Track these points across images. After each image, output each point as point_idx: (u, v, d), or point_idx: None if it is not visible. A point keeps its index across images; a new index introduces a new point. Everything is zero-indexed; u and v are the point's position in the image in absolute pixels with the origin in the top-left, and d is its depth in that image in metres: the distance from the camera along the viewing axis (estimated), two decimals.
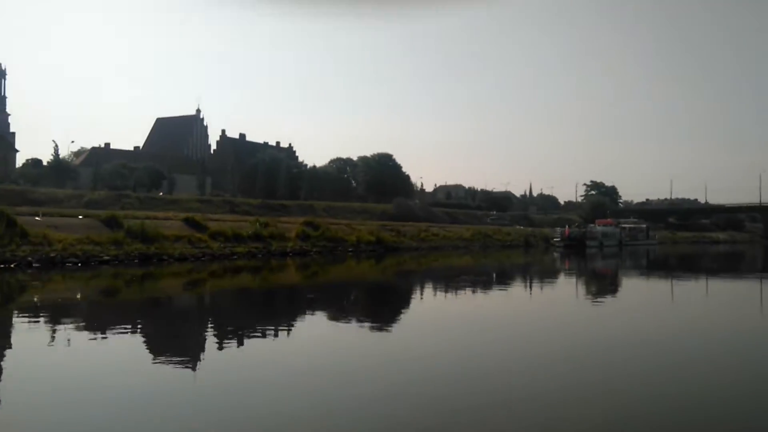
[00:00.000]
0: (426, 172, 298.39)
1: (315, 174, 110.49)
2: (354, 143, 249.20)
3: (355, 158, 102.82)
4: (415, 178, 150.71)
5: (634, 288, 27.26)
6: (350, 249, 42.34)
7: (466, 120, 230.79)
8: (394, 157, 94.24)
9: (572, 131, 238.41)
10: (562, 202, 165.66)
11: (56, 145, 71.83)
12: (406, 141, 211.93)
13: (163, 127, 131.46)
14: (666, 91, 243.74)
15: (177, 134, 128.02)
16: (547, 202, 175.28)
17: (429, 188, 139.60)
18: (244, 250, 35.80)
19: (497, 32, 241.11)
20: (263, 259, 35.30)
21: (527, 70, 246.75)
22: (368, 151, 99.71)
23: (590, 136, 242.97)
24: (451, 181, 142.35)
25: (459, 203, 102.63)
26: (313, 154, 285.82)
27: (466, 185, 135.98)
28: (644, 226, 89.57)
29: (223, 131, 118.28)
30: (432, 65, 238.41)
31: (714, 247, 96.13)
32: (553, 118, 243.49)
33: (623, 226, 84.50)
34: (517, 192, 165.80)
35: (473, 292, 23.33)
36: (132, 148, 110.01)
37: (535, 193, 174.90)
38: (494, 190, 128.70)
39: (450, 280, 27.65)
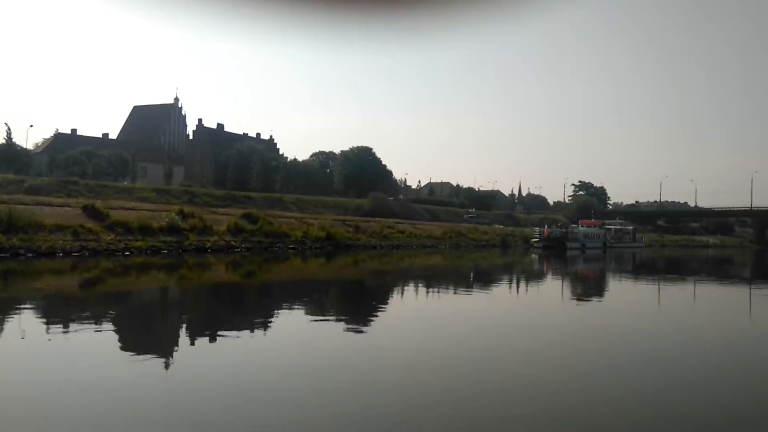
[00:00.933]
0: (418, 171, 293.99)
1: (294, 167, 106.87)
2: (343, 139, 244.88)
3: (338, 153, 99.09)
4: (401, 175, 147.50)
5: (615, 296, 23.62)
6: (292, 246, 38.10)
7: (459, 120, 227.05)
8: (373, 150, 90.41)
9: (564, 133, 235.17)
10: (551, 203, 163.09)
11: (8, 129, 67.40)
12: (399, 138, 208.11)
13: (140, 116, 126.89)
14: (657, 93, 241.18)
15: (153, 123, 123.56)
16: (536, 202, 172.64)
17: (419, 186, 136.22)
18: (144, 245, 30.85)
19: (495, 34, 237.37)
20: (174, 256, 30.33)
21: (521, 71, 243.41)
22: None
23: (582, 138, 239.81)
24: (447, 180, 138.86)
25: (442, 200, 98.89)
26: (304, 149, 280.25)
27: (462, 185, 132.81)
28: (630, 228, 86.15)
29: (200, 120, 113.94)
30: (426, 64, 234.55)
31: (703, 251, 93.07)
32: (542, 119, 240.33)
33: (608, 227, 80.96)
34: (508, 192, 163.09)
35: (408, 298, 19.55)
36: (101, 135, 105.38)
37: (524, 193, 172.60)
38: (480, 189, 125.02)
39: (379, 287, 23.72)
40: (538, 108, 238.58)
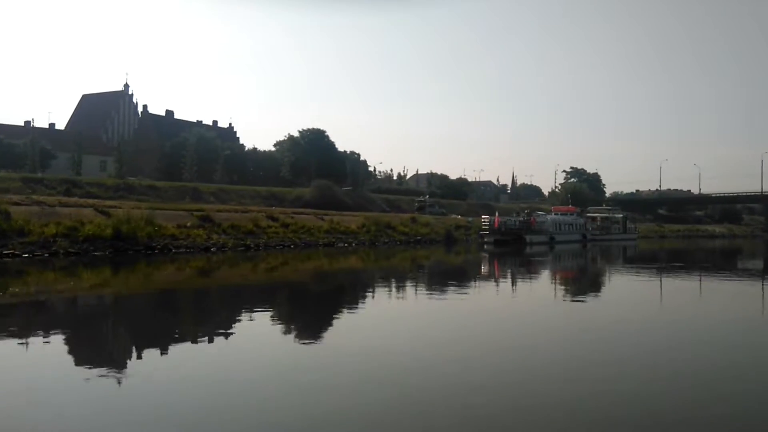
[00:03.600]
0: (414, 164, 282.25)
1: (253, 157, 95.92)
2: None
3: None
4: (375, 164, 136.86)
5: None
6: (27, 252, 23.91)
7: (454, 109, 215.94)
8: (327, 134, 78.67)
9: (562, 121, 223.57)
10: (546, 193, 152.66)
11: None
12: (380, 129, 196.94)
13: (89, 104, 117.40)
14: (657, 79, 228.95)
15: (102, 111, 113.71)
16: (530, 192, 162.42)
17: (401, 177, 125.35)
18: None
19: (492, 23, 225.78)
20: None
21: (519, 61, 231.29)
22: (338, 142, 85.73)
23: (580, 127, 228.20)
24: (443, 173, 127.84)
25: (407, 190, 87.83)
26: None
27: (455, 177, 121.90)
28: (620, 216, 72.16)
29: (145, 107, 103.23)
30: (424, 48, 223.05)
31: (710, 242, 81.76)
32: (540, 108, 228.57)
33: (591, 215, 68.78)
34: (502, 182, 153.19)
35: None
36: (22, 124, 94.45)
37: (518, 184, 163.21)
38: (460, 178, 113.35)
39: None
40: (535, 98, 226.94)
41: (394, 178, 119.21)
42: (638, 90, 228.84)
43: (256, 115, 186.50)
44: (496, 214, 53.04)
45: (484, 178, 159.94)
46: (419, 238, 45.93)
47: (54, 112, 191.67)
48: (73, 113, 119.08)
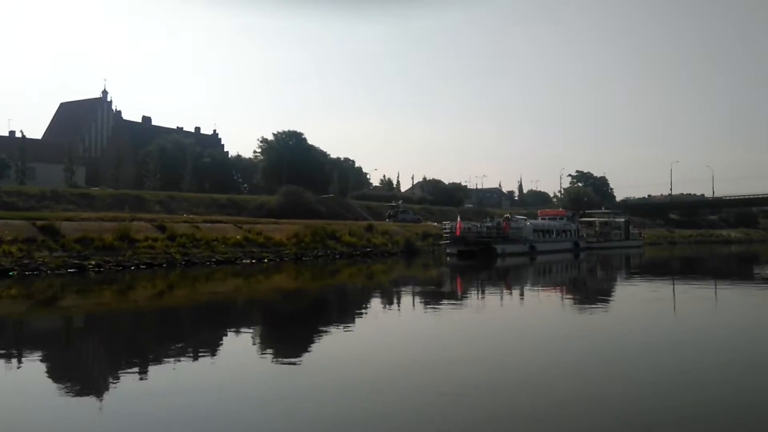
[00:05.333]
0: (414, 171, 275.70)
1: (237, 164, 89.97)
2: (320, 137, 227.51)
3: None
4: (370, 171, 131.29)
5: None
6: None
7: (462, 117, 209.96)
8: (304, 136, 72.30)
9: (573, 127, 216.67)
10: (555, 200, 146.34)
11: None
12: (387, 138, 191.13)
13: (67, 113, 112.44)
14: (670, 80, 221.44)
15: (80, 120, 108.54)
16: (537, 198, 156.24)
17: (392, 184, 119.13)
18: None
19: (504, 28, 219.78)
20: None
21: (531, 68, 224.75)
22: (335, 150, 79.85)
23: (593, 133, 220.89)
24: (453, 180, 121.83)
25: (393, 196, 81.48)
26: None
27: (470, 184, 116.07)
28: (621, 220, 63.63)
29: (119, 113, 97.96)
30: (424, 60, 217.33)
31: (725, 247, 74.77)
32: (551, 114, 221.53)
33: (587, 220, 61.37)
34: (507, 188, 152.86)
35: None
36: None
37: (526, 190, 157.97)
38: (461, 183, 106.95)
39: None
40: (547, 104, 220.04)
41: (394, 185, 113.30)
42: (650, 93, 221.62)
43: (247, 123, 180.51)
44: (458, 218, 44.67)
45: (490, 184, 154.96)
46: (368, 249, 38.36)
47: (31, 121, 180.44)
48: (51, 122, 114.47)
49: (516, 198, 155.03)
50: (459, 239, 41.08)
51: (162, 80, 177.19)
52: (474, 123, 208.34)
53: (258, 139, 75.24)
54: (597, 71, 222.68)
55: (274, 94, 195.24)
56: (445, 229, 43.78)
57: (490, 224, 43.79)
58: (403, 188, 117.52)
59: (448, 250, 41.56)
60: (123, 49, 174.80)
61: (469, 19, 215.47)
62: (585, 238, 54.77)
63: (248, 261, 29.60)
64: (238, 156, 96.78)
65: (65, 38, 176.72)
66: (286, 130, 72.05)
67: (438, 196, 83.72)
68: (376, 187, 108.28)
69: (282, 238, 32.35)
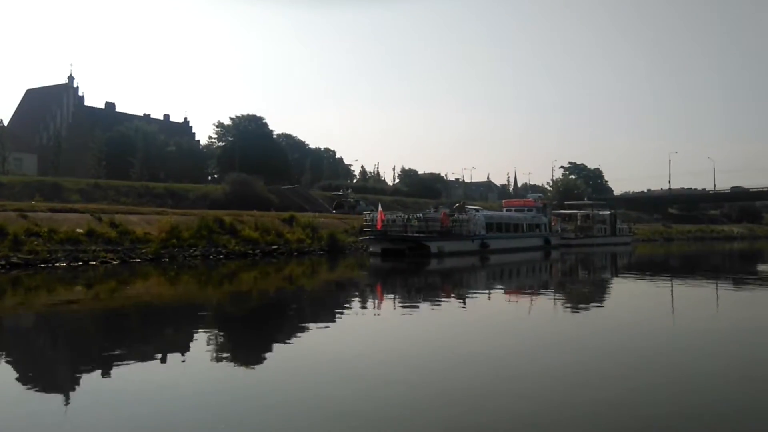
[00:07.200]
0: (405, 163, 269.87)
1: (205, 153, 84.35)
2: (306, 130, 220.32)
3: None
4: (352, 162, 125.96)
5: None
6: None
7: (457, 109, 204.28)
8: (265, 120, 66.31)
9: (570, 120, 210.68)
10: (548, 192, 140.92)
11: None
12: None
13: (33, 99, 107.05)
14: (667, 73, 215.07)
15: (44, 106, 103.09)
16: (531, 191, 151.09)
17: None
18: None
19: (504, 18, 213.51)
20: None
21: (524, 57, 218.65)
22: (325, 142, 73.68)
23: (589, 126, 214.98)
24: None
25: (374, 188, 75.80)
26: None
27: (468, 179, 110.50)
28: (607, 213, 56.33)
29: (81, 99, 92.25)
30: (420, 50, 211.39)
31: (726, 244, 68.90)
32: (547, 107, 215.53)
33: (566, 213, 55.32)
34: (501, 182, 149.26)
35: None
36: None
37: (520, 183, 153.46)
38: (446, 176, 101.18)
39: None
40: (542, 96, 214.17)
41: (369, 175, 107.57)
42: (647, 86, 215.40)
43: (226, 112, 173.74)
44: (380, 208, 36.26)
45: (479, 178, 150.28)
46: (275, 247, 31.07)
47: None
48: (16, 109, 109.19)
49: (512, 191, 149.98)
50: (380, 234, 33.39)
51: (130, 66, 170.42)
52: (469, 114, 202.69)
53: (214, 124, 69.22)
54: (592, 62, 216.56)
55: (253, 83, 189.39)
56: (366, 221, 35.62)
57: (421, 215, 35.51)
58: (391, 181, 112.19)
59: (371, 249, 34.10)
60: (90, 33, 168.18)
61: (463, 3, 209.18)
62: (560, 233, 47.71)
63: (65, 264, 22.31)
64: (210, 144, 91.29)
65: (33, 21, 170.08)
66: (245, 113, 66.06)
67: (414, 188, 77.82)
68: (357, 179, 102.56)
69: (150, 232, 26.06)
